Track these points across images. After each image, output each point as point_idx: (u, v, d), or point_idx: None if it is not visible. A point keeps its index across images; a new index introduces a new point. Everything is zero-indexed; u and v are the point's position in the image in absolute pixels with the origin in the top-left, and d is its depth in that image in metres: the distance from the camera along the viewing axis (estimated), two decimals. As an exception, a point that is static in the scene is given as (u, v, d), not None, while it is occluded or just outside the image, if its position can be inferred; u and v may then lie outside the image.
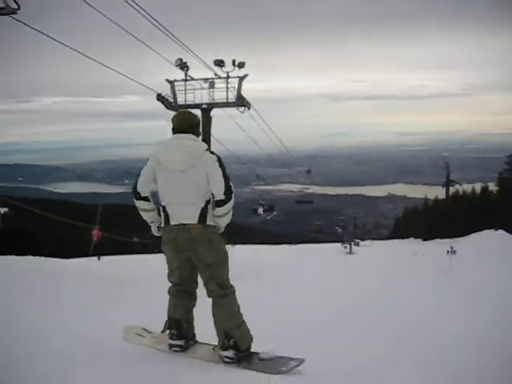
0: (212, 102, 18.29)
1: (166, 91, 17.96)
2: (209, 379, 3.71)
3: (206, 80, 18.08)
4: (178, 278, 4.16)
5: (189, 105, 18.22)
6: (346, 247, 50.85)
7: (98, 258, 20.98)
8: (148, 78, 13.82)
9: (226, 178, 3.85)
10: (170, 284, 4.35)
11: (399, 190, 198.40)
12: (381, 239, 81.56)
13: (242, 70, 17.66)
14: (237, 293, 4.17)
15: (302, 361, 3.87)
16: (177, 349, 4.15)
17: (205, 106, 18.42)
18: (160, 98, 17.68)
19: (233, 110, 18.62)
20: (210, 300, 4.09)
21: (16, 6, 8.13)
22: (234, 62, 17.53)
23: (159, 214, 4.06)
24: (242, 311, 4.13)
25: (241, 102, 18.05)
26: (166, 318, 4.34)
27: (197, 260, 3.96)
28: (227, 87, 17.91)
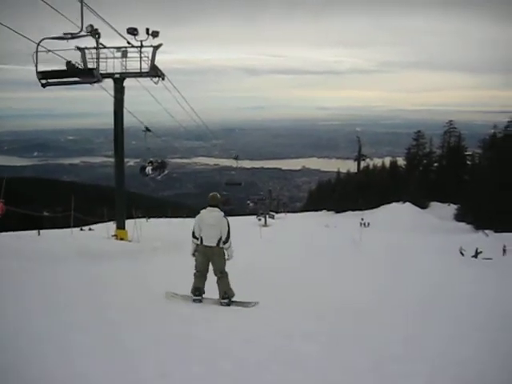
0: (125, 72, 17.78)
1: (76, 59, 17.21)
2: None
3: (118, 49, 17.49)
4: (200, 268, 8.15)
5: (101, 74, 17.59)
6: (260, 220, 51.61)
7: (38, 233, 20.24)
8: (57, 44, 13.20)
9: (229, 231, 8.10)
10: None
11: (314, 163, 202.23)
12: (295, 212, 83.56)
13: (156, 39, 17.22)
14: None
15: (257, 303, 8.22)
16: (197, 301, 8.17)
17: (117, 76, 17.90)
18: (70, 66, 16.89)
19: (147, 81, 18.20)
20: (215, 278, 8.15)
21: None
22: (147, 30, 17.02)
23: (197, 238, 8.14)
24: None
25: (155, 72, 17.64)
26: (186, 286, 8.26)
27: (212, 263, 8.14)
28: (140, 57, 17.44)
